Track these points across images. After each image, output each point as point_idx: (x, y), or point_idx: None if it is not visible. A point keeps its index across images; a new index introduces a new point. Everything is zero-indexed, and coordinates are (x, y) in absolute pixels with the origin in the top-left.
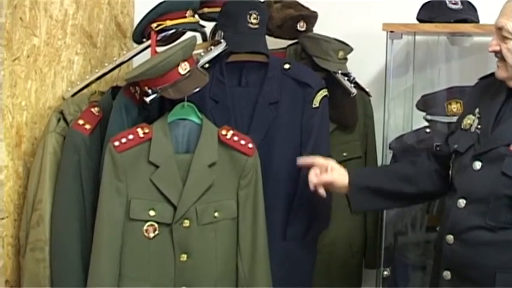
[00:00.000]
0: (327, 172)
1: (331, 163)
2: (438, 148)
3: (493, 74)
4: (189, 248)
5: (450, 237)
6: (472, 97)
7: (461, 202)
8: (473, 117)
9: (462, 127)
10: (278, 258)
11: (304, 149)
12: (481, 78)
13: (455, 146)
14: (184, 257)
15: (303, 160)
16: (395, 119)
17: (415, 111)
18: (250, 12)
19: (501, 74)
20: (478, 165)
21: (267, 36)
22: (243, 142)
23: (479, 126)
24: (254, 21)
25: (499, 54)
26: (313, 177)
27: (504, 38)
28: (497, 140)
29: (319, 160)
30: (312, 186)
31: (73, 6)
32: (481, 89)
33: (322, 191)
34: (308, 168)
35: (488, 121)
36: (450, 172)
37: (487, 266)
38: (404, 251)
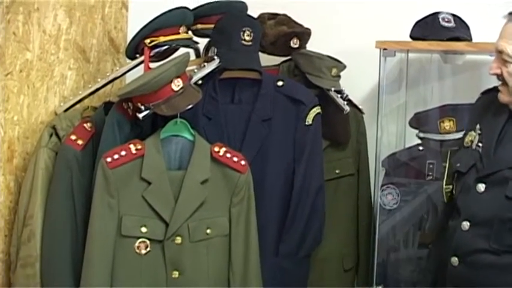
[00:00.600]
0: None
1: None
2: None
3: (494, 89)
4: (181, 264)
5: (455, 259)
6: (473, 113)
7: (465, 224)
8: (474, 134)
9: (464, 145)
10: (270, 274)
11: (298, 166)
12: (483, 93)
13: (458, 165)
14: (176, 273)
15: None
16: (388, 136)
17: (407, 129)
18: (243, 29)
19: (503, 98)
20: (481, 187)
21: (260, 53)
22: (235, 159)
23: (480, 144)
24: (247, 38)
25: (500, 77)
26: None
27: (505, 62)
28: (501, 162)
29: None
30: None
31: (66, 21)
32: (483, 105)
33: None
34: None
35: (491, 140)
36: (453, 191)
37: None
38: (396, 268)
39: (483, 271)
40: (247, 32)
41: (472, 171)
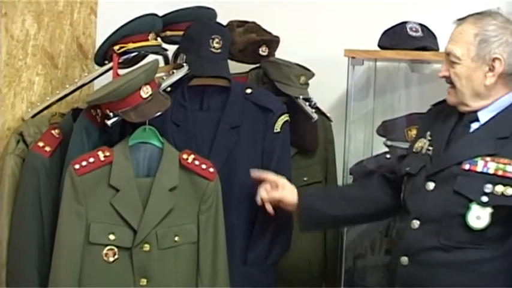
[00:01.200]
0: (278, 189)
1: (283, 180)
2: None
3: (445, 101)
4: (149, 272)
5: (405, 259)
6: (424, 122)
7: (415, 223)
8: (425, 140)
9: (414, 150)
10: (238, 282)
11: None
12: (434, 105)
13: (407, 168)
14: (144, 281)
15: (256, 174)
16: (355, 144)
17: (375, 137)
18: (212, 36)
19: (451, 99)
20: (431, 185)
21: (229, 60)
22: (204, 166)
23: (430, 148)
24: (216, 45)
25: (448, 80)
26: (263, 193)
27: (452, 63)
28: (449, 159)
29: (271, 176)
30: (259, 201)
31: (34, 26)
32: (433, 115)
33: (269, 208)
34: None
35: (441, 143)
36: (402, 195)
37: (442, 287)
38: (364, 275)
39: (433, 269)
40: (216, 40)
41: (422, 172)
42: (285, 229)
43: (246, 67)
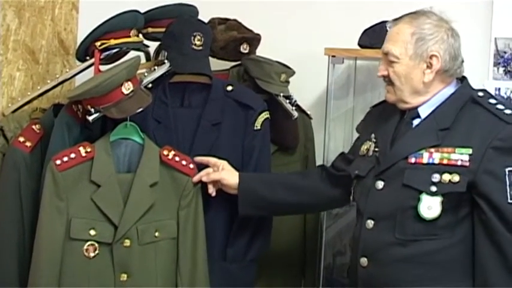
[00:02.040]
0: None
1: (224, 163)
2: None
3: (384, 101)
4: (129, 267)
5: (364, 260)
6: (366, 125)
7: (370, 223)
8: (370, 143)
9: (360, 153)
10: (218, 278)
11: (246, 170)
12: (373, 107)
13: (356, 171)
14: (124, 276)
15: (199, 159)
16: (335, 141)
17: (355, 134)
18: (194, 33)
19: (390, 97)
20: (380, 184)
21: (210, 58)
22: (184, 162)
23: (376, 149)
24: (198, 42)
25: (387, 79)
26: (203, 174)
27: (391, 62)
28: (395, 156)
29: (212, 159)
30: (195, 180)
31: (15, 21)
32: (375, 116)
33: (211, 190)
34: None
35: (385, 142)
36: (352, 197)
37: (402, 283)
38: (343, 272)
39: (393, 266)
40: (198, 37)
41: (371, 173)
42: (264, 226)
43: (227, 64)
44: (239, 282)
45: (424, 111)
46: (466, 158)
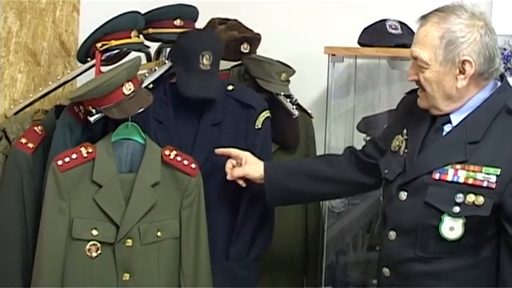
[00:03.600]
0: (242, 165)
1: (246, 154)
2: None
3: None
4: (131, 267)
5: (386, 270)
6: (399, 115)
7: (392, 234)
8: (402, 139)
9: (392, 149)
10: (221, 278)
11: None
12: (408, 93)
13: (386, 171)
14: (126, 276)
15: (219, 150)
16: (336, 140)
17: (355, 133)
18: (203, 52)
19: (422, 104)
20: (403, 195)
21: None
22: (186, 162)
23: (406, 150)
24: (206, 62)
25: (419, 83)
26: (228, 170)
27: (421, 68)
28: (420, 168)
29: (235, 151)
30: (229, 177)
31: (17, 23)
32: (408, 106)
33: (241, 183)
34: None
35: (414, 147)
36: (381, 199)
37: None
38: (345, 270)
39: (413, 280)
40: (207, 56)
41: (397, 180)
42: (266, 224)
43: (227, 64)
44: (242, 282)
45: (456, 118)
46: (493, 179)
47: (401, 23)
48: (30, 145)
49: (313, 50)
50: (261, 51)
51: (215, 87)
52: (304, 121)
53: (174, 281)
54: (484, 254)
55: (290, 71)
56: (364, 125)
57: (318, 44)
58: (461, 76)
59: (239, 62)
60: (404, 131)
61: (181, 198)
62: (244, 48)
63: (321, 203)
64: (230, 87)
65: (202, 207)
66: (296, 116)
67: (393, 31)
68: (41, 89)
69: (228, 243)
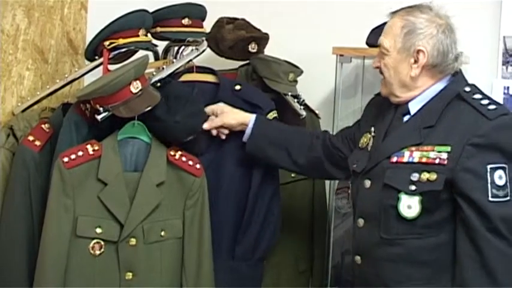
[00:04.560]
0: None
1: (221, 105)
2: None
3: None
4: (134, 266)
5: (358, 258)
6: (368, 114)
7: (360, 221)
8: (369, 136)
9: (360, 146)
10: (227, 277)
11: (254, 169)
12: (377, 94)
13: (354, 165)
14: (129, 275)
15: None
16: None
17: None
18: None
19: (383, 90)
20: (367, 183)
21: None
22: (190, 163)
23: (372, 145)
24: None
25: (380, 71)
26: (206, 125)
27: (382, 55)
28: (380, 155)
29: (209, 107)
30: (206, 127)
31: (25, 21)
32: (377, 105)
33: (221, 134)
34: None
35: (378, 139)
36: (350, 191)
37: (393, 282)
38: (351, 271)
39: (382, 266)
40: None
41: (363, 171)
42: (271, 224)
43: (235, 64)
44: (248, 281)
45: (413, 107)
46: (445, 156)
47: None
48: (37, 143)
49: (321, 50)
50: (268, 51)
51: None
52: (311, 121)
53: (177, 280)
54: (443, 236)
55: (298, 71)
56: None
57: (326, 44)
58: (415, 65)
59: (247, 62)
60: (372, 129)
61: (186, 199)
62: (252, 47)
63: (327, 203)
64: (237, 87)
65: (206, 208)
66: (303, 116)
67: None
68: (48, 86)
69: (234, 242)
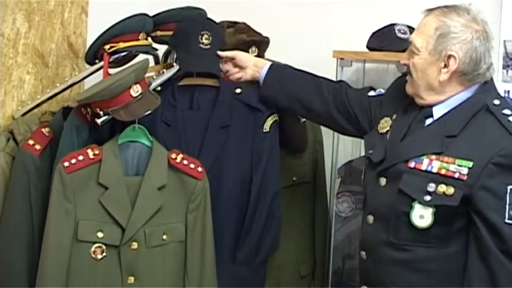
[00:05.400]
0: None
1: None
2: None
3: None
4: (136, 270)
5: (363, 253)
6: (393, 94)
7: (370, 218)
8: (390, 122)
9: (378, 129)
10: (228, 282)
11: (255, 173)
12: (404, 74)
13: (370, 151)
14: (131, 279)
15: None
16: (344, 144)
17: None
18: (202, 32)
19: (408, 89)
20: (383, 181)
21: None
22: (192, 166)
23: (389, 135)
24: (206, 41)
25: (408, 69)
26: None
27: (412, 53)
28: (398, 156)
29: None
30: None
31: (25, 25)
32: (402, 88)
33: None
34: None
35: (398, 134)
36: (362, 180)
37: (395, 284)
38: (352, 275)
39: (386, 266)
40: (206, 36)
41: (379, 165)
42: (272, 228)
43: None
44: (249, 285)
45: (437, 112)
46: (465, 171)
47: (410, 27)
48: (38, 147)
49: (321, 54)
50: (269, 54)
51: (216, 65)
52: (312, 125)
53: (179, 284)
54: (453, 248)
55: None
56: None
57: (327, 48)
58: (445, 70)
59: None
60: (394, 116)
61: (188, 202)
62: (253, 51)
63: (328, 207)
64: (238, 91)
65: (208, 211)
66: (304, 120)
67: (402, 35)
68: (48, 90)
69: (235, 246)
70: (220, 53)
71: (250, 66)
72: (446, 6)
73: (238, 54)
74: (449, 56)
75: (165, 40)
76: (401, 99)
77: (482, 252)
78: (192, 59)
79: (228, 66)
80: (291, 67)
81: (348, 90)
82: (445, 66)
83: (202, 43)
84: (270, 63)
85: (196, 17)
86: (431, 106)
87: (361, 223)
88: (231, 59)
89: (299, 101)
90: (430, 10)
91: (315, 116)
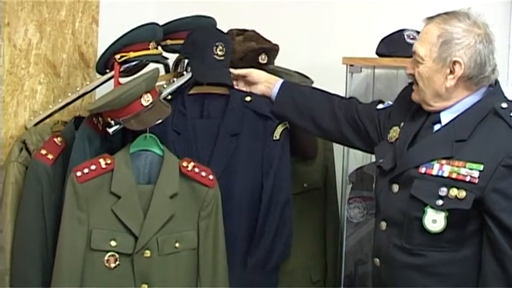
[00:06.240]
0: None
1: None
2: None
3: None
4: (149, 278)
5: (377, 260)
6: (400, 105)
7: (383, 225)
8: (398, 130)
9: (388, 139)
10: (239, 287)
11: (265, 180)
12: (411, 83)
13: (381, 160)
14: (145, 287)
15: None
16: (355, 150)
17: None
18: (216, 44)
19: (414, 97)
20: (395, 188)
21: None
22: (203, 174)
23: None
24: (220, 52)
25: (413, 78)
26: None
27: (417, 62)
28: (408, 162)
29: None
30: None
31: (37, 35)
32: (408, 97)
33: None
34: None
35: (405, 141)
36: (374, 186)
37: None
38: (364, 281)
39: (401, 271)
40: (220, 47)
41: (390, 172)
42: (284, 234)
43: None
44: None
45: (445, 117)
46: (476, 174)
47: (419, 33)
48: (50, 156)
49: (331, 61)
50: (279, 62)
51: (229, 77)
52: None
53: None
54: (466, 251)
55: (308, 81)
56: None
57: (336, 54)
58: (451, 76)
59: None
60: (402, 124)
61: (199, 210)
62: (262, 59)
63: (339, 213)
64: (248, 98)
65: (220, 219)
66: None
67: (411, 41)
68: (60, 100)
69: (247, 253)
70: (233, 70)
71: (262, 82)
72: (446, 13)
73: (251, 72)
74: (455, 62)
75: (175, 49)
76: (408, 107)
77: (496, 254)
78: (208, 69)
79: (240, 84)
80: (302, 85)
81: (358, 106)
82: (451, 72)
83: (217, 54)
84: (281, 80)
85: (207, 27)
86: (438, 112)
87: (374, 230)
88: (243, 77)
89: (311, 119)
90: (431, 18)
91: (325, 133)
